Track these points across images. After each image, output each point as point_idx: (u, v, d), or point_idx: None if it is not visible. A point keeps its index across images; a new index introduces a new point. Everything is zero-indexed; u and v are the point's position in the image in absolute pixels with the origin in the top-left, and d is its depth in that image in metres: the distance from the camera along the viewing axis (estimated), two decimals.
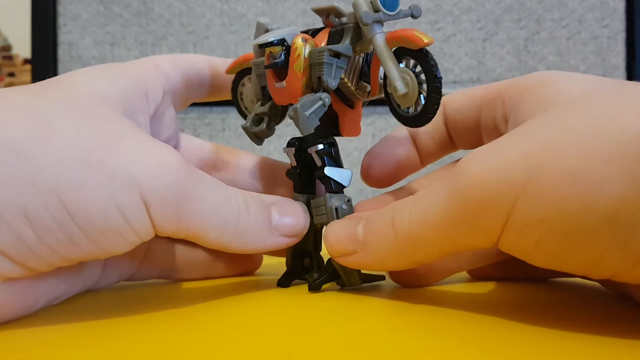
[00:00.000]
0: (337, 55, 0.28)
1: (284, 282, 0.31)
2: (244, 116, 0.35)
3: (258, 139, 0.33)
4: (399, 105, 0.29)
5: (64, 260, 0.25)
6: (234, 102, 0.35)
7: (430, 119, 0.27)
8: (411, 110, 0.28)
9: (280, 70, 0.30)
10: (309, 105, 0.29)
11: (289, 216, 0.29)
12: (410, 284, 0.31)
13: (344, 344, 0.23)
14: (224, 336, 0.23)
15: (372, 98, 0.31)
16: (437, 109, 0.27)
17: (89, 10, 0.88)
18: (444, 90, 0.27)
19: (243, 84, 0.34)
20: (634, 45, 0.85)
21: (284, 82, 0.30)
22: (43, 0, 0.87)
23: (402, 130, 0.34)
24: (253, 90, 0.33)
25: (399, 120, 0.29)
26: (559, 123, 0.23)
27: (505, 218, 0.23)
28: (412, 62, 0.28)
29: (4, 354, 0.21)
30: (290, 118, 0.29)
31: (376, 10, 0.28)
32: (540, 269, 0.32)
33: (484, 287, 0.32)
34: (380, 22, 0.28)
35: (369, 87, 0.30)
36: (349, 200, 0.30)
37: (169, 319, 0.26)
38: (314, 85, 0.29)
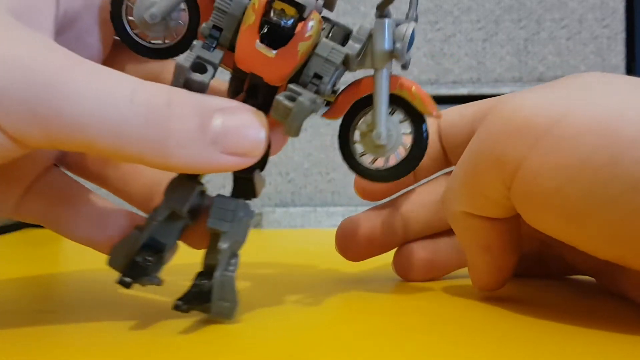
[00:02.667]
0: (346, 62, 0.24)
1: (183, 307, 0.24)
2: (131, 43, 0.25)
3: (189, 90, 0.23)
4: (360, 152, 0.25)
5: None
6: (114, 22, 0.25)
7: (393, 180, 0.25)
8: (377, 163, 0.25)
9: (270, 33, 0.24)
10: (311, 104, 0.23)
11: (238, 125, 0.22)
12: (413, 278, 0.32)
13: (344, 344, 0.23)
14: (224, 336, 0.23)
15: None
16: (409, 172, 0.25)
17: None
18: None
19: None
20: (634, 45, 0.85)
21: (273, 52, 0.23)
22: None
23: None
24: (164, 6, 0.24)
25: (352, 168, 0.25)
26: (590, 86, 0.23)
27: (525, 154, 0.23)
28: (401, 114, 0.25)
29: (4, 354, 0.21)
30: (280, 109, 0.23)
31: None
32: (555, 265, 0.32)
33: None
34: (396, 57, 0.24)
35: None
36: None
37: (169, 318, 0.26)
38: (304, 78, 0.24)
